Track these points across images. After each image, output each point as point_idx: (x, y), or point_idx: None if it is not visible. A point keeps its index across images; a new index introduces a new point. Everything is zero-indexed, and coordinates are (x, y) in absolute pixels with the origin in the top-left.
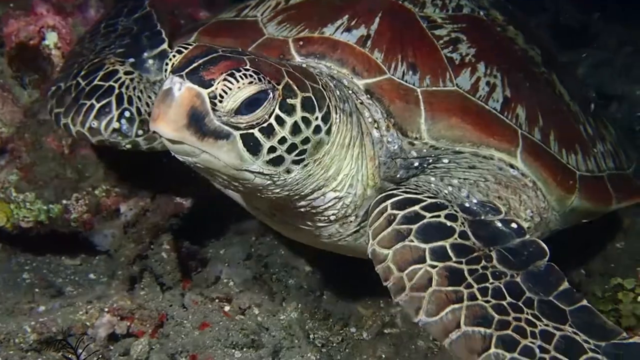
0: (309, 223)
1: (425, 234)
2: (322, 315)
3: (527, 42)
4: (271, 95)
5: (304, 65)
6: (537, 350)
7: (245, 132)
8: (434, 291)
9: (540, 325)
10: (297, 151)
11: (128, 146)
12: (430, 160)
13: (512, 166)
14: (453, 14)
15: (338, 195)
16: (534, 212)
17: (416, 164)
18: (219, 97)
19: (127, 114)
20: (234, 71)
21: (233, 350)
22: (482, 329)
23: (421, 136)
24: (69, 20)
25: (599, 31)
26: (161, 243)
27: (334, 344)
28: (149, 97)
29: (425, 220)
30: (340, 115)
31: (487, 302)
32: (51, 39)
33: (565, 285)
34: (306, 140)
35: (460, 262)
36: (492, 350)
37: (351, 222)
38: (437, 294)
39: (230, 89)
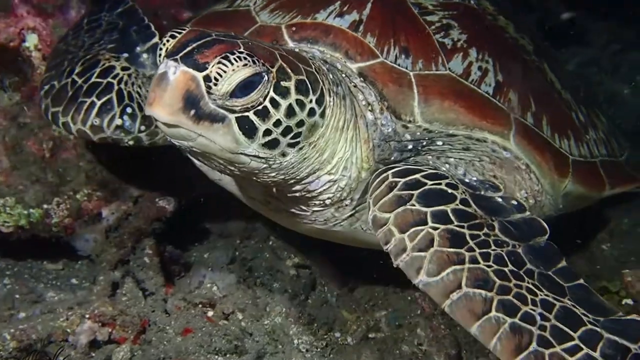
0: (304, 208)
1: (427, 199)
2: (306, 319)
3: (517, 31)
4: (265, 77)
5: (297, 50)
6: (538, 318)
7: (240, 115)
8: (435, 251)
9: (541, 295)
10: (292, 134)
11: (130, 142)
12: (424, 143)
13: (505, 149)
14: (444, 1)
15: (333, 178)
16: (528, 194)
17: (410, 146)
18: (213, 80)
19: (129, 110)
20: (228, 54)
21: (216, 357)
22: (483, 292)
23: (415, 119)
24: (49, 21)
25: (586, 29)
26: (143, 247)
27: (318, 349)
28: (147, 91)
29: (426, 187)
30: (333, 98)
31: (488, 266)
32: (31, 40)
33: (564, 263)
34: (301, 123)
35: (462, 227)
36: (493, 313)
37: (346, 205)
38: (438, 254)
39: (224, 71)
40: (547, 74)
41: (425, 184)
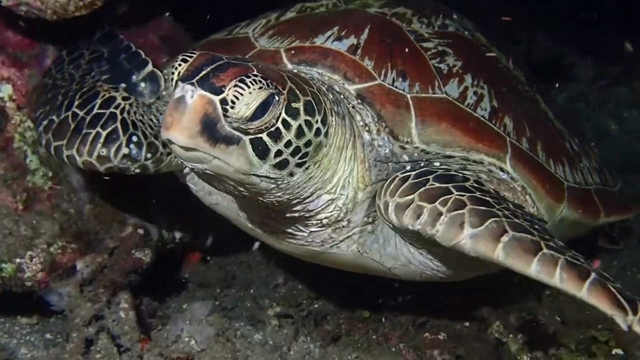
0: (302, 228)
1: (444, 179)
2: None
3: (510, 63)
4: (277, 99)
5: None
6: (582, 260)
7: (254, 136)
8: (471, 209)
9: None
10: (300, 154)
11: (137, 170)
12: (422, 164)
13: (502, 170)
14: (439, 30)
15: (332, 197)
16: None
17: (408, 167)
18: (230, 103)
19: (134, 138)
20: (243, 77)
21: None
22: (529, 235)
23: (412, 140)
24: (24, 71)
25: (573, 64)
26: (119, 301)
27: None
28: (150, 119)
29: (438, 172)
30: (335, 118)
31: (522, 222)
32: (6, 91)
33: None
34: (308, 143)
35: (485, 196)
36: (546, 250)
37: (343, 227)
38: (475, 211)
39: (241, 94)
40: (540, 104)
41: (436, 171)
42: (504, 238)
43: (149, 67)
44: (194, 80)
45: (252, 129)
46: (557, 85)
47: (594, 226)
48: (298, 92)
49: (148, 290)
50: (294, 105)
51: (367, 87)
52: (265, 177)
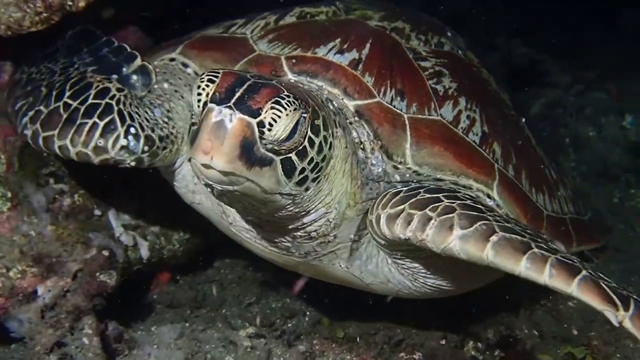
0: (288, 239)
1: (434, 192)
2: None
3: (498, 86)
4: (305, 118)
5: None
6: (575, 260)
7: (284, 156)
8: (461, 213)
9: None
10: (317, 169)
11: (133, 163)
12: (412, 186)
13: (489, 196)
14: (436, 49)
15: (327, 211)
16: None
17: (399, 187)
18: (267, 126)
19: (132, 130)
20: (278, 99)
21: None
22: (518, 236)
23: (405, 161)
24: None
25: (550, 69)
26: (82, 327)
27: None
28: (145, 112)
29: (429, 187)
30: (339, 129)
31: (512, 225)
32: None
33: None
34: (324, 158)
35: (476, 204)
36: (535, 249)
37: (329, 241)
38: (465, 214)
39: (279, 117)
40: (524, 130)
41: (427, 186)
42: (494, 238)
43: (139, 61)
44: (231, 104)
45: (284, 149)
46: (534, 91)
47: None
48: (317, 108)
49: (114, 314)
50: (316, 122)
51: (366, 104)
52: (287, 194)
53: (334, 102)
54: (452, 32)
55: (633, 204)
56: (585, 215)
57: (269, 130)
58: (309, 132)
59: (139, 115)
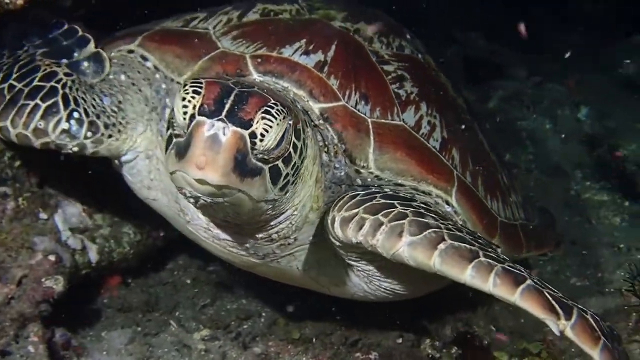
0: (249, 240)
1: (389, 198)
2: None
3: (454, 90)
4: (291, 125)
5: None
6: (522, 270)
7: (272, 165)
8: (412, 220)
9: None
10: (297, 171)
11: (75, 149)
12: (371, 190)
13: (447, 203)
14: (397, 52)
15: (294, 213)
16: None
17: (362, 192)
18: (259, 137)
19: (76, 114)
20: (267, 109)
21: None
22: (467, 245)
23: (368, 165)
24: None
25: (507, 62)
26: (28, 335)
27: None
28: (93, 99)
29: (386, 194)
30: (309, 129)
31: (463, 234)
32: None
33: None
34: (303, 160)
35: (430, 212)
36: (483, 258)
37: (289, 244)
38: (416, 222)
39: (270, 127)
40: (479, 135)
41: (386, 192)
42: (442, 246)
43: (92, 47)
44: (223, 116)
45: (272, 157)
46: (492, 84)
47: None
48: (296, 113)
49: (62, 321)
50: (298, 127)
51: (331, 108)
52: (272, 200)
53: (300, 104)
54: (411, 35)
55: (589, 197)
56: (533, 221)
57: (261, 141)
58: (294, 139)
59: (86, 101)
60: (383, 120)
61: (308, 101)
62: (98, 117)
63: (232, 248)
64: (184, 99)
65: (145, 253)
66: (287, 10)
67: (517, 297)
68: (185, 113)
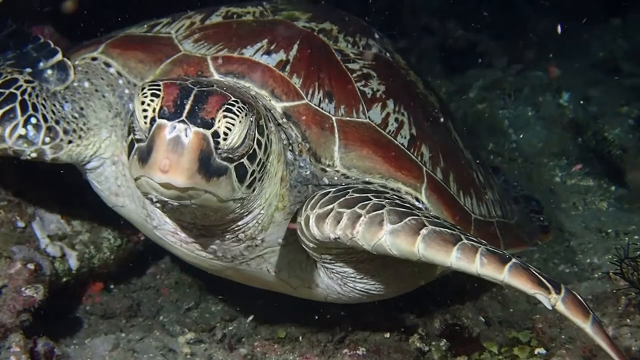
0: (217, 241)
1: (362, 192)
2: None
3: (425, 88)
4: (252, 121)
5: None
6: (503, 252)
7: (237, 162)
8: (390, 209)
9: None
10: (262, 167)
11: (33, 155)
12: (341, 187)
13: (417, 199)
14: (363, 51)
15: (260, 211)
16: None
17: (332, 189)
18: (222, 135)
19: (33, 120)
20: (228, 106)
21: None
22: (448, 229)
23: (334, 163)
24: None
25: (487, 50)
26: (9, 345)
27: None
28: (53, 105)
29: (357, 188)
30: (272, 124)
31: (441, 221)
32: None
33: None
34: (268, 156)
35: (404, 203)
36: (465, 241)
37: (256, 245)
38: (394, 211)
39: (233, 125)
40: (452, 132)
41: (356, 187)
42: (424, 231)
43: (59, 56)
44: (183, 117)
45: (237, 155)
46: (471, 73)
47: None
48: (258, 108)
49: (43, 330)
50: (260, 122)
51: (293, 106)
52: (240, 198)
53: (262, 103)
54: (379, 34)
55: (574, 182)
56: (512, 218)
57: (224, 139)
58: (257, 135)
59: (45, 107)
60: (348, 118)
61: (270, 100)
62: (57, 122)
63: (200, 251)
64: (142, 103)
65: (126, 257)
66: (251, 12)
67: (505, 274)
68: (145, 117)
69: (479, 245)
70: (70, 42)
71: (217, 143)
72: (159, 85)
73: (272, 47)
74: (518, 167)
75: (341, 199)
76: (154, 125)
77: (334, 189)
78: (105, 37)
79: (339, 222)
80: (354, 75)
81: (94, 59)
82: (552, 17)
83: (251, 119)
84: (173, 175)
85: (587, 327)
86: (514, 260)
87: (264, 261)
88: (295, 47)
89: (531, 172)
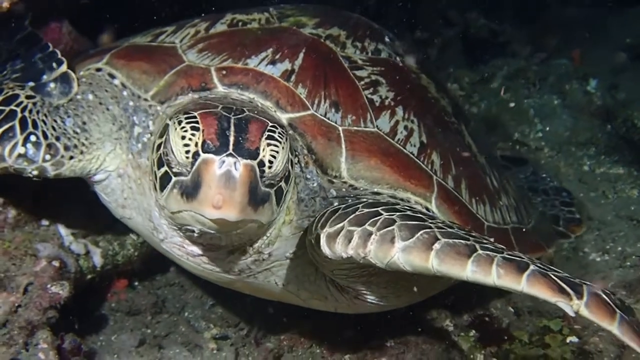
0: (222, 256)
1: (372, 206)
2: None
3: (438, 92)
4: (288, 140)
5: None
6: (522, 256)
7: (277, 186)
8: (401, 224)
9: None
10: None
11: (35, 172)
12: (349, 201)
13: (427, 209)
14: (372, 56)
15: (272, 226)
16: None
17: (336, 203)
18: (267, 164)
19: (32, 138)
20: (269, 133)
21: None
22: (462, 240)
23: (341, 175)
24: None
25: (510, 39)
26: (37, 342)
27: None
28: (55, 120)
29: (367, 202)
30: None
31: (455, 230)
32: None
33: None
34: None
35: (416, 214)
36: (481, 251)
37: (263, 260)
38: (405, 225)
39: (277, 152)
40: (465, 137)
41: (365, 200)
42: (436, 245)
43: (62, 68)
44: (231, 151)
45: (277, 180)
46: (494, 63)
47: None
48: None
49: (70, 326)
50: (289, 141)
51: (299, 117)
52: (273, 220)
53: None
54: (390, 37)
55: (603, 171)
56: (528, 223)
57: (269, 167)
58: (290, 155)
59: (46, 123)
60: (355, 128)
61: (275, 111)
62: (58, 139)
63: (207, 264)
64: (183, 137)
65: (150, 254)
66: (256, 20)
67: (523, 284)
68: (187, 152)
69: (495, 254)
70: (89, 40)
71: (262, 172)
72: (195, 117)
73: (277, 57)
74: (545, 156)
75: (351, 216)
76: (199, 160)
77: (343, 205)
78: (110, 47)
79: (350, 241)
80: (362, 82)
81: (98, 69)
82: (575, 3)
83: (288, 143)
84: (227, 210)
85: (614, 329)
86: (532, 267)
87: (271, 274)
88: (301, 55)
89: (558, 161)
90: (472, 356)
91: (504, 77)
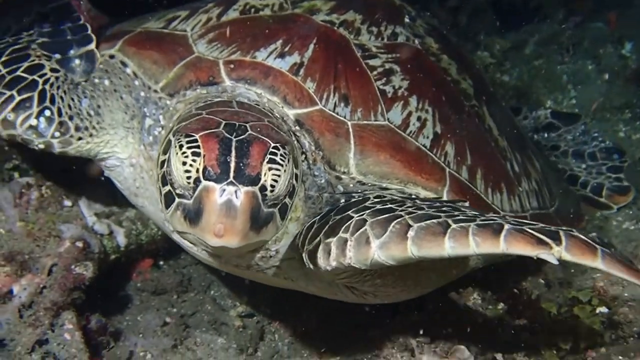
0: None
1: (343, 210)
2: None
3: (459, 72)
4: (291, 160)
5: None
6: (495, 218)
7: (281, 204)
8: (372, 223)
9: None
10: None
11: (41, 146)
12: (356, 197)
13: None
14: (388, 42)
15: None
16: None
17: (342, 200)
18: (269, 188)
19: (47, 112)
20: (271, 156)
21: None
22: (434, 220)
23: (349, 171)
24: None
25: (543, 3)
26: (63, 323)
27: None
28: (72, 99)
29: (340, 206)
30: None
31: (426, 210)
32: None
33: None
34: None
35: (386, 205)
36: (454, 225)
37: (271, 257)
38: (376, 223)
39: (279, 175)
40: (486, 120)
41: (345, 201)
42: (410, 232)
43: (91, 46)
44: (231, 179)
45: (281, 198)
46: (527, 29)
47: None
48: (289, 140)
49: (95, 307)
50: (294, 155)
51: (307, 113)
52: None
53: (275, 111)
54: (411, 17)
55: (639, 137)
56: (551, 206)
57: (271, 191)
58: (295, 170)
59: (63, 100)
60: (365, 122)
61: (282, 107)
62: (71, 118)
63: (216, 257)
64: (184, 163)
65: None
66: (269, 5)
67: (502, 246)
68: (188, 177)
69: (469, 223)
70: (109, 17)
71: (264, 196)
72: (196, 141)
73: (286, 49)
74: None
75: (325, 228)
76: (200, 187)
77: (317, 217)
78: (121, 32)
79: (329, 253)
80: (374, 72)
81: (111, 56)
82: None
83: (292, 159)
84: (228, 239)
85: (598, 264)
86: (506, 227)
87: (280, 270)
88: (311, 47)
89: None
90: (500, 330)
91: (537, 43)
